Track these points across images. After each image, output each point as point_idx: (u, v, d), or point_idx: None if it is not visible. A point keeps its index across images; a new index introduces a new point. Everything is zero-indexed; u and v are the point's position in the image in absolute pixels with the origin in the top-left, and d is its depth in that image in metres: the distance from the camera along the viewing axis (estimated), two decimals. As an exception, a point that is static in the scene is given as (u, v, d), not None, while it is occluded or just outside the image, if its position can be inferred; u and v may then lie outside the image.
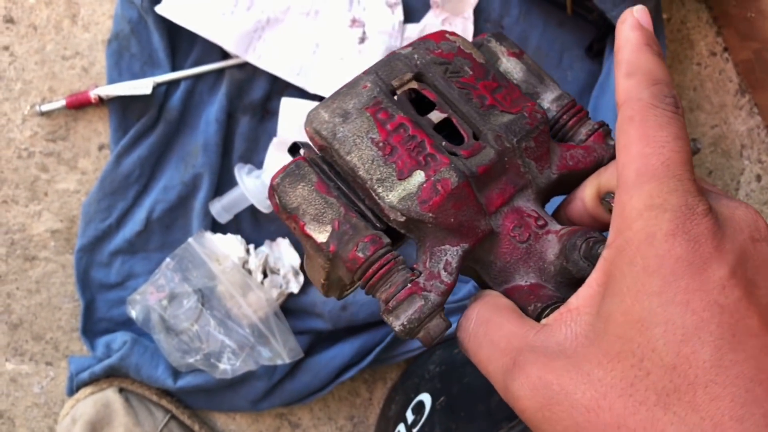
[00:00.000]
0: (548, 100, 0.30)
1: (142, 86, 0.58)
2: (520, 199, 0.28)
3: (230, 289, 0.58)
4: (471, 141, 0.27)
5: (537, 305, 0.25)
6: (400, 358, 0.64)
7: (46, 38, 0.61)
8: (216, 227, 0.62)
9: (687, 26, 0.65)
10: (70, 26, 0.61)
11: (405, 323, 0.25)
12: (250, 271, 0.60)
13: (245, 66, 0.60)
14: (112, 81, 0.60)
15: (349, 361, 0.63)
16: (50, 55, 0.60)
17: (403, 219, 0.26)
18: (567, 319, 0.23)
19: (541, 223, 0.27)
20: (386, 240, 0.26)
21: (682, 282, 0.21)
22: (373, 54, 0.59)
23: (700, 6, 0.65)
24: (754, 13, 0.60)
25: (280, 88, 0.61)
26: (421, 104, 0.28)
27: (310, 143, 0.28)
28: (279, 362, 0.59)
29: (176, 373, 0.61)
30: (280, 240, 0.62)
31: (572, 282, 0.26)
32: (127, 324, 0.63)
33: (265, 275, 0.61)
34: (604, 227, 0.26)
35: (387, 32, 0.60)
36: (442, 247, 0.27)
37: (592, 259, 0.25)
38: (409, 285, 0.25)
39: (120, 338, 0.61)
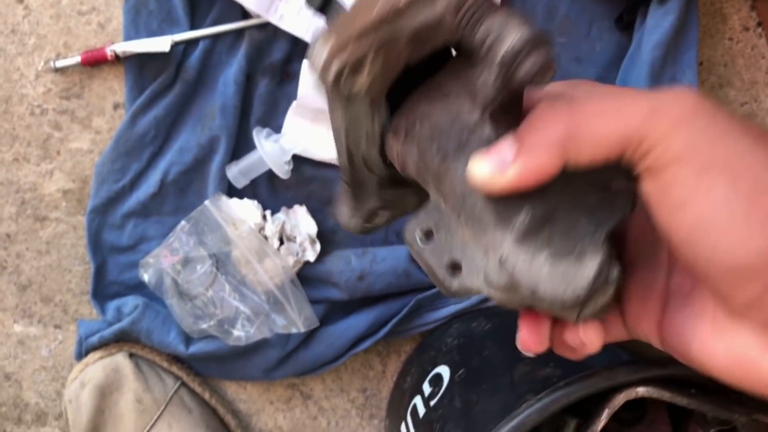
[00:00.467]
0: None
1: (160, 44, 0.57)
2: None
3: (246, 254, 0.56)
4: None
5: None
6: (416, 331, 0.63)
7: (61, -8, 0.59)
8: (232, 192, 0.60)
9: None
10: (86, -20, 0.59)
11: None
12: (266, 238, 0.59)
13: (266, 26, 0.58)
14: (128, 38, 0.58)
15: (364, 332, 0.62)
16: (66, 10, 0.59)
17: None
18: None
19: None
20: None
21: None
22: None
23: (733, -21, 0.63)
24: (792, -13, 0.58)
25: (300, 50, 0.59)
26: None
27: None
28: (294, 331, 0.58)
29: (188, 339, 0.60)
30: (297, 207, 0.61)
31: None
32: (139, 288, 0.62)
33: (281, 242, 0.60)
34: None
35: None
36: None
37: None
38: None
39: (131, 302, 0.60)
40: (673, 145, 0.26)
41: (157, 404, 0.60)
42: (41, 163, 0.60)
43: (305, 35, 0.58)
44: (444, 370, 0.55)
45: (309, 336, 0.61)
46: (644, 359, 0.42)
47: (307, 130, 0.59)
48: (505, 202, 0.29)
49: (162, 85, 0.58)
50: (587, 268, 0.28)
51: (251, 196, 0.60)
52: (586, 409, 0.44)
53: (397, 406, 0.60)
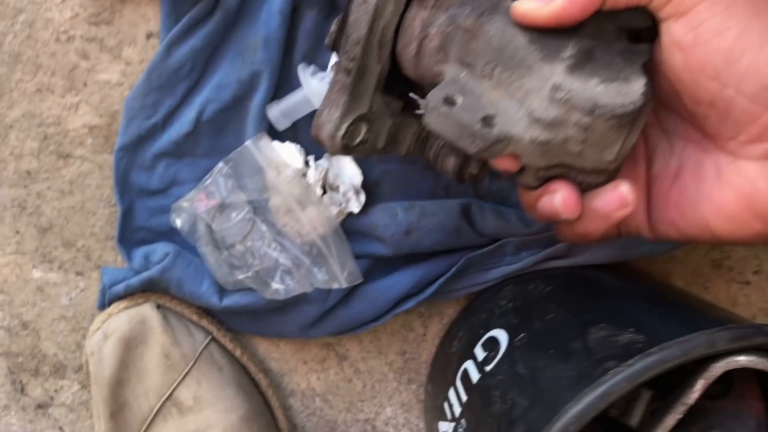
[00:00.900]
0: None
1: (200, -33, 0.51)
2: None
3: (289, 201, 0.52)
4: None
5: None
6: (463, 293, 0.58)
7: None
8: (271, 135, 0.55)
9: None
10: None
11: None
12: (308, 185, 0.54)
13: (316, -47, 0.53)
14: (164, -40, 0.53)
15: (408, 291, 0.57)
16: (97, -74, 0.53)
17: None
18: None
19: None
20: None
21: None
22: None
23: None
24: None
25: (352, -19, 0.54)
26: None
27: None
28: (335, 286, 0.54)
29: (222, 292, 0.56)
30: (341, 154, 0.56)
31: None
32: (168, 235, 0.57)
33: (324, 192, 0.56)
34: None
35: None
36: None
37: None
38: None
39: (161, 249, 0.56)
40: None
41: (186, 360, 0.56)
42: (66, 95, 0.55)
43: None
44: (500, 334, 0.51)
45: (350, 293, 0.57)
46: (745, 324, 0.38)
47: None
48: (550, 40, 0.33)
49: (201, 13, 0.53)
50: (637, 84, 0.33)
51: (292, 141, 0.56)
52: (661, 379, 0.39)
53: (443, 372, 0.56)
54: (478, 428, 0.47)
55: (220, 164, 0.52)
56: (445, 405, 0.53)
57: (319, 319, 0.57)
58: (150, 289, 0.57)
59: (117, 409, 0.55)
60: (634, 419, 0.46)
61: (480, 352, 0.51)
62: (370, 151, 0.43)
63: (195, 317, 0.57)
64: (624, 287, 0.52)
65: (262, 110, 0.54)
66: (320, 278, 0.53)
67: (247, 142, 0.51)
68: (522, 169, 0.36)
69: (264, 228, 0.53)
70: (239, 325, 0.59)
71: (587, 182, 0.36)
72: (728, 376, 0.44)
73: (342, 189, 0.55)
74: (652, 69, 0.34)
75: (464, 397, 0.50)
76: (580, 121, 0.33)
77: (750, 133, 0.33)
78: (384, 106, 0.41)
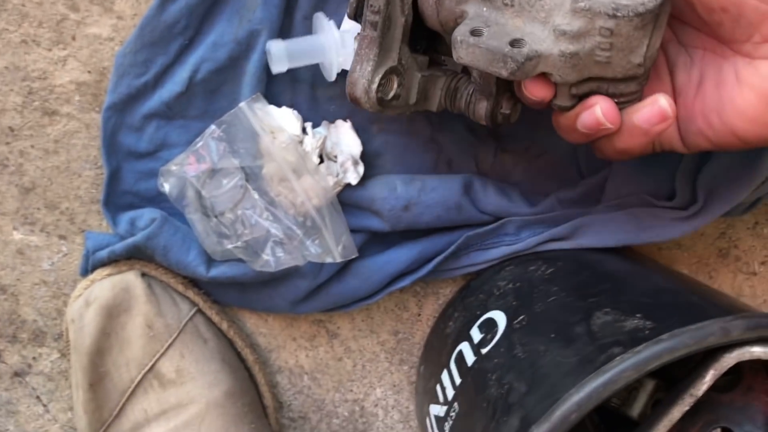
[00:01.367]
0: None
1: None
2: None
3: (284, 169, 0.49)
4: None
5: None
6: (461, 272, 0.56)
7: None
8: (268, 100, 0.53)
9: None
10: None
11: None
12: (304, 153, 0.52)
13: None
14: None
15: (404, 269, 0.55)
16: None
17: None
18: None
19: None
20: None
21: None
22: None
23: None
24: None
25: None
26: None
27: None
28: (328, 260, 0.52)
29: (209, 262, 0.54)
30: (339, 122, 0.54)
31: None
32: (155, 201, 0.55)
33: (320, 161, 0.53)
34: None
35: None
36: None
37: None
38: None
39: (147, 215, 0.53)
40: None
41: (170, 331, 0.54)
42: (53, 49, 0.53)
43: None
44: (498, 316, 0.49)
45: (344, 268, 0.55)
46: (761, 313, 0.36)
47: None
48: None
49: (197, -33, 0.50)
50: None
51: (288, 105, 0.53)
52: (664, 370, 0.37)
53: (437, 353, 0.54)
54: (471, 412, 0.45)
55: (212, 126, 0.50)
56: (438, 388, 0.51)
57: (311, 294, 0.55)
58: (135, 256, 0.54)
59: (96, 379, 0.53)
60: (636, 410, 0.45)
61: (476, 334, 0.49)
62: (404, 108, 0.45)
63: (181, 287, 0.55)
64: (630, 271, 0.50)
65: (259, 72, 0.51)
66: (313, 251, 0.51)
67: (242, 104, 0.49)
68: (555, 93, 0.38)
69: (256, 196, 0.51)
70: (227, 297, 0.57)
71: (620, 92, 0.37)
72: (737, 367, 0.42)
73: (340, 159, 0.53)
74: None
75: (458, 380, 0.48)
76: (604, 26, 0.34)
77: (763, 33, 0.34)
78: (412, 60, 0.43)
